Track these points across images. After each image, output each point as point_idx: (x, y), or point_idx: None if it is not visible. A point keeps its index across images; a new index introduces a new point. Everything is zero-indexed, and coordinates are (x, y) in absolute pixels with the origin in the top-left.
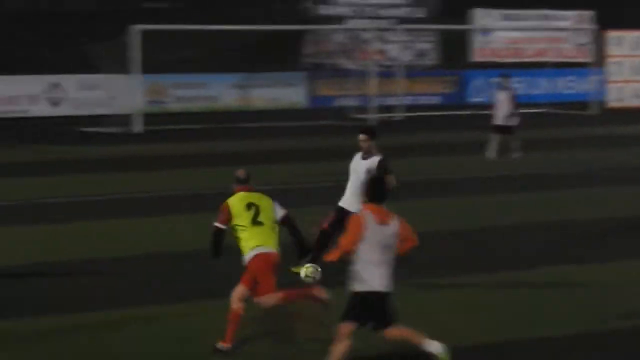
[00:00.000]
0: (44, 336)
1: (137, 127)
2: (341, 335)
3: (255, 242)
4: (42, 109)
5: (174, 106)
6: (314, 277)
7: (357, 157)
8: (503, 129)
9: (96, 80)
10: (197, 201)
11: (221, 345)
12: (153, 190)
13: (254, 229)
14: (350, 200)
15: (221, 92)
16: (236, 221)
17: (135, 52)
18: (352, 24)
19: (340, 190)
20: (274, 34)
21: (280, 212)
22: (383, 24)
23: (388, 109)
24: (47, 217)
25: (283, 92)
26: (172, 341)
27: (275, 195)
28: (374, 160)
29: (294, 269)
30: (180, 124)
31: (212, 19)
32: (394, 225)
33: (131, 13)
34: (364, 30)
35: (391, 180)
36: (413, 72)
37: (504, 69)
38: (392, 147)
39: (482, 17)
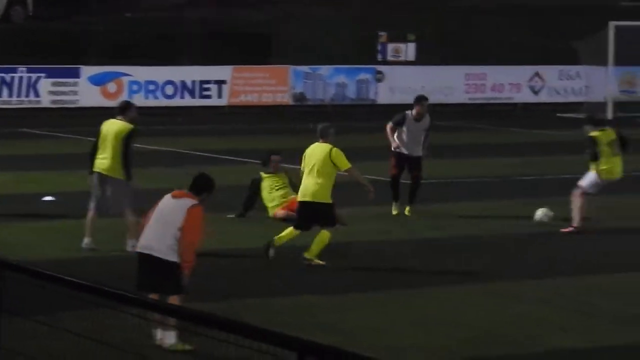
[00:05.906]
0: None
1: (609, 113)
2: None
3: None
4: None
5: None
6: (547, 216)
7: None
8: None
9: (575, 70)
10: None
11: None
12: None
13: None
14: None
15: None
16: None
17: (610, 45)
18: None
19: None
20: None
21: None
22: None
23: None
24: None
25: None
26: None
27: None
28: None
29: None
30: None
31: None
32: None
33: (610, 10)
34: None
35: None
36: None
37: None
38: None
39: None
